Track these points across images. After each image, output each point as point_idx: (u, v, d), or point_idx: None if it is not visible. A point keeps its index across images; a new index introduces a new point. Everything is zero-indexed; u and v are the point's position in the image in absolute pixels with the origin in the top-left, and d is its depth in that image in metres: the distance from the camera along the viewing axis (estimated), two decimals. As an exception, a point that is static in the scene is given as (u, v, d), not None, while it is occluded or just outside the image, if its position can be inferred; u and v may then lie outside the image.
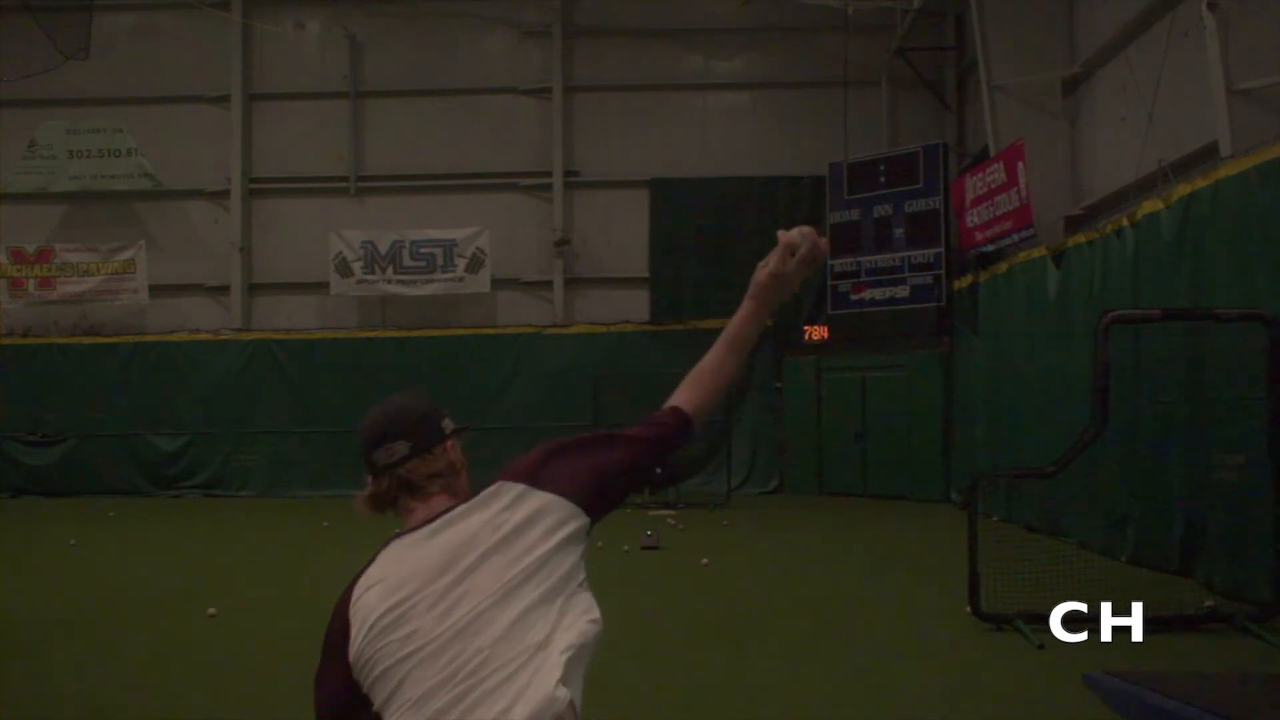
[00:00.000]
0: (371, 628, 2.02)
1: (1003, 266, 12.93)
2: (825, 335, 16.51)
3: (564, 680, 1.93)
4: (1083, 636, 6.18)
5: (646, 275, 17.60)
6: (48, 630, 6.79)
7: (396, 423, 2.27)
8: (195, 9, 17.34)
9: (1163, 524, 8.46)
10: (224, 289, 18.05)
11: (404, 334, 17.49)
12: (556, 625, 2.00)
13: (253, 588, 8.55)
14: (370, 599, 2.06)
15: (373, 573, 2.11)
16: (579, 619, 2.03)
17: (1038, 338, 11.53)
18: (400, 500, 2.22)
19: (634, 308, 17.61)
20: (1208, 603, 6.90)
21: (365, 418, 2.32)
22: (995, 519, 11.82)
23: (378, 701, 1.99)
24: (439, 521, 2.13)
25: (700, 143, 17.69)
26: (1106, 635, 6.21)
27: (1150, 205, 9.01)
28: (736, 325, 2.52)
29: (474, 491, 2.20)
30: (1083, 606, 6.43)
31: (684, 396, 2.37)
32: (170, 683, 5.49)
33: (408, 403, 2.33)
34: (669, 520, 12.97)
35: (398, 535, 2.17)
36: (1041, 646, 6.01)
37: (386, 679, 1.97)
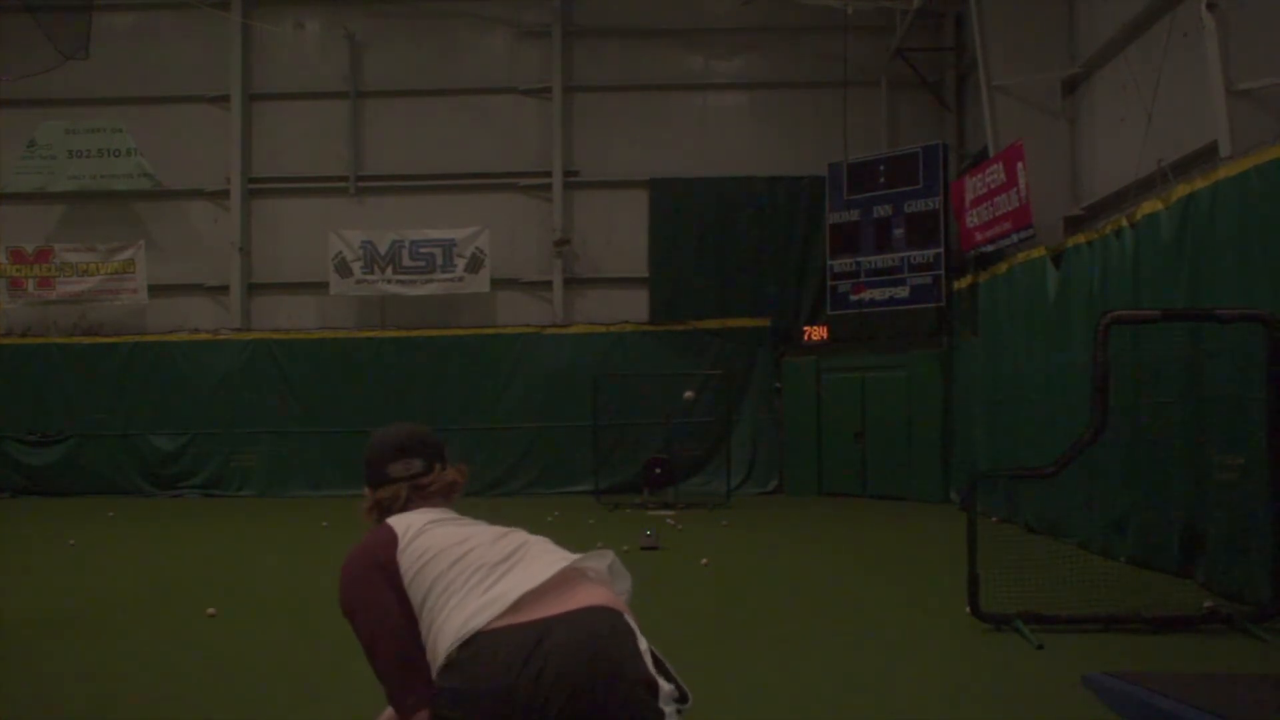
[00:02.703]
0: (421, 529, 2.32)
1: (1002, 267, 12.92)
2: (825, 335, 16.52)
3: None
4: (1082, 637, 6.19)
5: (646, 275, 17.60)
6: (48, 630, 6.79)
7: (412, 442, 2.56)
8: (195, 9, 17.35)
9: (1162, 525, 8.45)
10: (223, 289, 18.05)
11: (403, 334, 17.49)
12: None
13: (252, 588, 8.55)
14: (409, 517, 2.39)
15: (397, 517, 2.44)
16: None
17: (1037, 338, 11.53)
18: (410, 505, 2.51)
19: (633, 308, 17.61)
20: (1207, 603, 6.89)
21: (379, 436, 2.60)
22: (995, 519, 11.83)
23: (426, 586, 2.21)
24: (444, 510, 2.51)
25: (700, 143, 17.70)
26: (1105, 636, 6.22)
27: (1150, 206, 9.01)
28: None
29: None
30: (1082, 607, 6.44)
31: None
32: (170, 683, 5.49)
33: (419, 429, 2.62)
34: (668, 520, 12.97)
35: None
36: (1041, 647, 6.01)
37: (442, 558, 2.22)
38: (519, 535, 2.32)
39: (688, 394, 15.20)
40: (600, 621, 2.07)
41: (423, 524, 2.34)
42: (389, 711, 2.27)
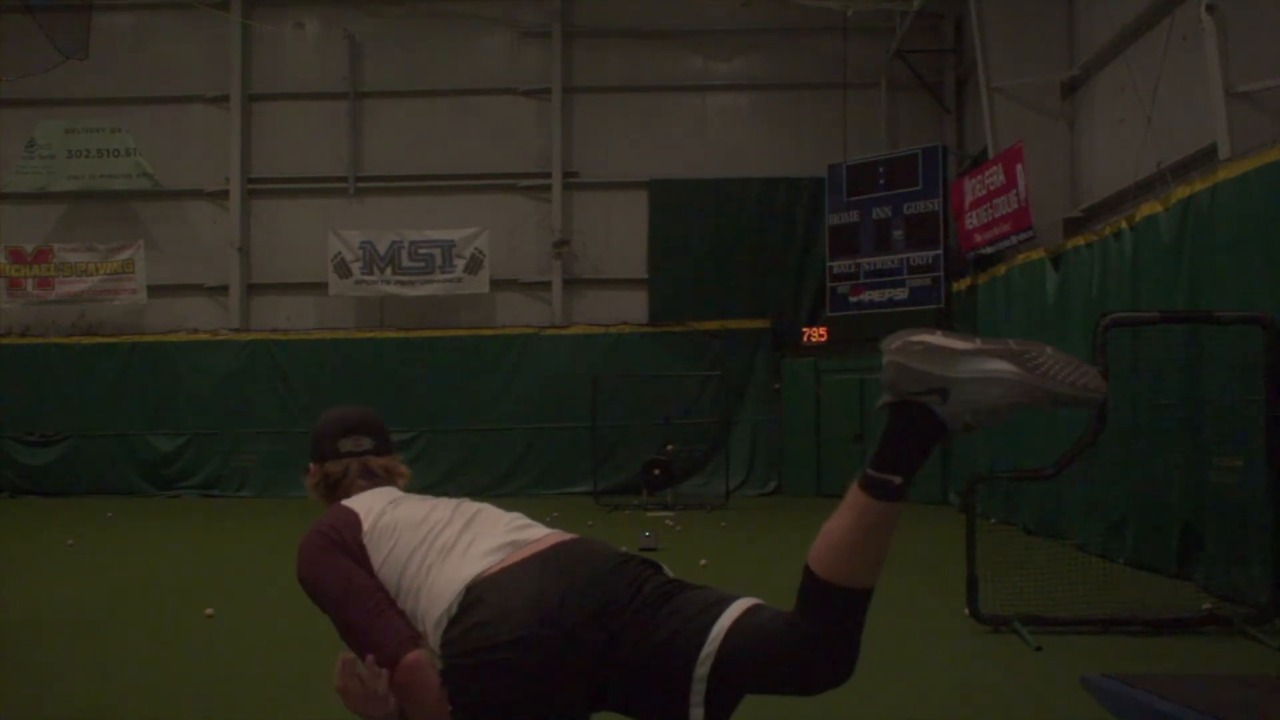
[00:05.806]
0: (383, 510, 2.32)
1: (1001, 269, 12.93)
2: (824, 337, 16.51)
3: None
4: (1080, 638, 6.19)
5: (645, 276, 17.59)
6: (47, 630, 6.79)
7: (364, 422, 2.59)
8: (195, 9, 17.34)
9: (1161, 527, 8.45)
10: (222, 289, 18.04)
11: (402, 334, 17.48)
12: None
13: (251, 588, 8.54)
14: (366, 499, 2.39)
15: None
16: None
17: (1036, 339, 11.52)
18: (356, 485, 2.51)
19: (632, 309, 17.61)
20: (1206, 605, 6.90)
21: (330, 413, 2.62)
22: (993, 521, 11.81)
23: (402, 561, 2.19)
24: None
25: (700, 144, 17.69)
26: (1104, 638, 6.22)
27: (1149, 208, 9.02)
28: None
29: None
30: (1081, 609, 6.45)
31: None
32: (169, 683, 5.49)
33: (369, 412, 2.65)
34: (667, 521, 12.97)
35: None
36: (1040, 649, 6.01)
37: (412, 534, 2.23)
38: (472, 504, 2.36)
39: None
40: (584, 540, 2.18)
41: (383, 506, 2.34)
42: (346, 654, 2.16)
